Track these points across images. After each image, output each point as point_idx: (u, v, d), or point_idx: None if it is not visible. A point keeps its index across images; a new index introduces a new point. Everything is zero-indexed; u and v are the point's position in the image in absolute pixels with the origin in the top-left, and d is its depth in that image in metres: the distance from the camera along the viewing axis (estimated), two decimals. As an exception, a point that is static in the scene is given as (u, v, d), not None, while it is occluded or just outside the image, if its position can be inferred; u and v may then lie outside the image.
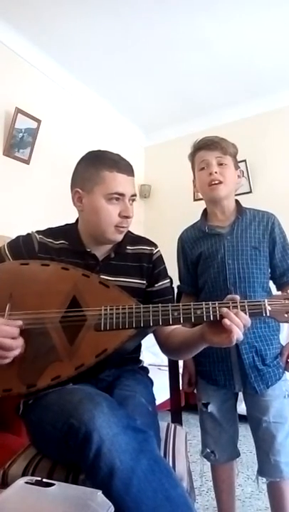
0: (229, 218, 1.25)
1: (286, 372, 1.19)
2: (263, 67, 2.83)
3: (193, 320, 0.83)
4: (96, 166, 0.99)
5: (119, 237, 1.02)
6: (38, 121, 2.58)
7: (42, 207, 2.60)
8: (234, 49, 2.64)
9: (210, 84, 3.04)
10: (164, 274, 1.11)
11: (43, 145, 2.65)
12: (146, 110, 3.46)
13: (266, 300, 0.83)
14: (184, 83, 3.04)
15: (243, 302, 0.83)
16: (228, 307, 0.81)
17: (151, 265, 1.08)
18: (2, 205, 2.37)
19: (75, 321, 0.85)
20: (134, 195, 1.02)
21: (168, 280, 1.12)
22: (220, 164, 1.20)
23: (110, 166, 0.98)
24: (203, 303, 0.83)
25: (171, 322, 0.83)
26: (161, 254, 1.12)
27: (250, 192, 3.17)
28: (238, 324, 0.79)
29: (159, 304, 0.85)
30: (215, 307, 0.82)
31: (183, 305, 0.84)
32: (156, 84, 3.07)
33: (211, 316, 0.82)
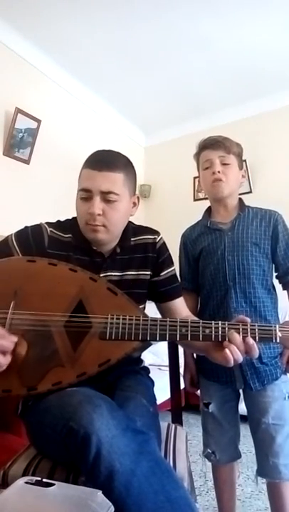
0: (231, 215, 1.26)
1: (286, 374, 1.18)
2: (263, 67, 2.83)
3: (201, 339, 0.82)
4: (83, 165, 0.98)
5: (97, 236, 0.96)
6: (38, 121, 2.58)
7: (42, 207, 2.59)
8: (234, 49, 2.64)
9: (210, 84, 3.04)
10: (169, 262, 1.09)
11: (43, 145, 2.65)
12: (146, 110, 3.46)
13: (277, 326, 0.83)
14: (184, 83, 3.04)
15: (254, 326, 0.82)
16: (238, 330, 0.81)
17: (155, 255, 1.06)
18: (2, 205, 2.37)
19: (79, 327, 0.83)
20: (109, 192, 0.93)
21: (173, 267, 1.10)
22: (223, 164, 1.21)
23: (87, 163, 0.96)
24: (213, 322, 0.83)
25: (178, 338, 0.83)
26: (164, 242, 1.10)
27: (250, 192, 3.17)
28: (239, 347, 0.80)
29: (167, 318, 0.85)
30: (224, 328, 0.82)
31: (192, 321, 0.84)
32: (156, 84, 3.07)
33: (220, 337, 0.82)
